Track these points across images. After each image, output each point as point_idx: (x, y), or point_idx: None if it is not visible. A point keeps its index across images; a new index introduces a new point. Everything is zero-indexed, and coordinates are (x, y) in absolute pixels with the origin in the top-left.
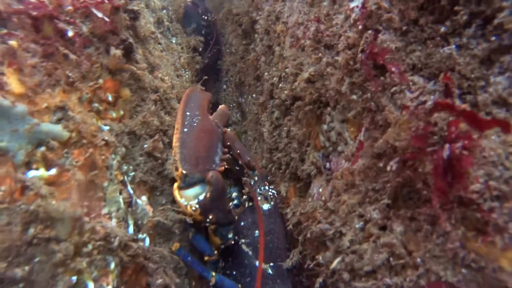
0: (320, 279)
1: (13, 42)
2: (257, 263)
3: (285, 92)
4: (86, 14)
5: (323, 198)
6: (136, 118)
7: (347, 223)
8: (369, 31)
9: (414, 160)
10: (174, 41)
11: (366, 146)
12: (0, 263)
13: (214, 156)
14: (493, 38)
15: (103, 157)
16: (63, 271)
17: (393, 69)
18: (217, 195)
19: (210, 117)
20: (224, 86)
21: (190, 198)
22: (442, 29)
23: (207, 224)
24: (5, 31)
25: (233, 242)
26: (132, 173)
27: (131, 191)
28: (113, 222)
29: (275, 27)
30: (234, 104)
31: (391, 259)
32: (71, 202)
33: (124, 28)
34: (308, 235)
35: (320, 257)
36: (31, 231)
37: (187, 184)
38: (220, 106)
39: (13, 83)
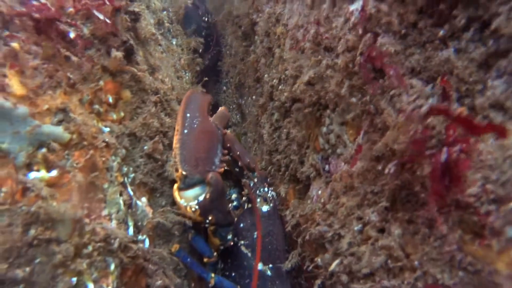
0: (318, 281)
1: (15, 44)
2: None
3: (285, 94)
4: (87, 16)
5: (322, 200)
6: (137, 120)
7: (345, 226)
8: (368, 34)
9: (413, 163)
10: (174, 43)
11: (365, 149)
12: (1, 264)
13: (214, 157)
14: (490, 42)
15: (103, 158)
16: (63, 272)
17: (391, 72)
18: (217, 196)
19: (210, 118)
20: (224, 88)
21: (190, 199)
22: (441, 32)
23: (206, 225)
24: (7, 33)
25: (232, 244)
26: (132, 175)
27: (131, 193)
28: (113, 223)
29: (275, 29)
30: (234, 106)
31: (389, 261)
32: (72, 203)
33: (125, 30)
34: (307, 237)
35: (319, 259)
36: (32, 232)
37: (187, 185)
38: (220, 108)
39: (15, 85)
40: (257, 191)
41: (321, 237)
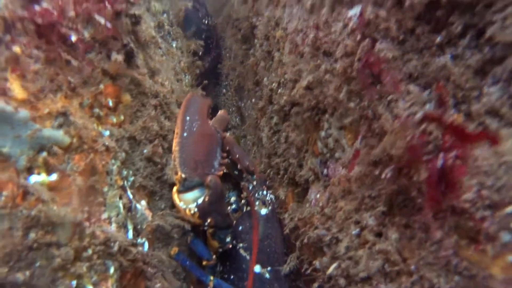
0: (316, 284)
1: (16, 48)
2: (255, 267)
3: (284, 98)
4: (88, 19)
5: (320, 204)
6: (136, 123)
7: (343, 230)
8: (367, 40)
9: (410, 169)
10: (174, 45)
11: (363, 154)
12: (2, 268)
13: (213, 160)
14: (486, 49)
15: (103, 162)
16: (63, 276)
17: (387, 79)
18: (216, 198)
19: (209, 122)
20: (224, 90)
21: (189, 202)
22: (438, 39)
23: (205, 228)
24: (9, 37)
25: (231, 246)
26: (132, 178)
27: (131, 196)
28: (113, 226)
29: (275, 33)
30: (233, 108)
31: (386, 265)
32: (72, 207)
33: (125, 33)
34: (305, 241)
35: (317, 263)
36: (32, 236)
37: (186, 187)
38: (219, 111)
39: (16, 89)
40: (256, 194)
41: (319, 240)
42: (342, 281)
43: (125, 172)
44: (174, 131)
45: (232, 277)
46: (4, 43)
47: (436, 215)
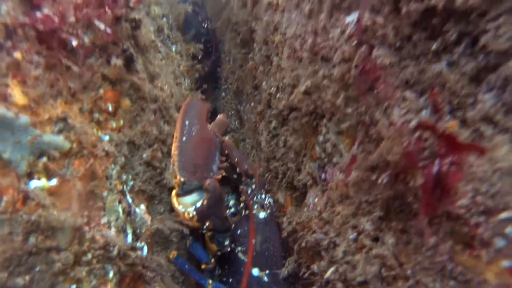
0: None
1: (17, 54)
2: (253, 271)
3: (283, 102)
4: (88, 25)
5: (318, 208)
6: (136, 128)
7: (341, 234)
8: (364, 46)
9: (406, 174)
10: (174, 49)
11: (360, 159)
12: (1, 273)
13: (211, 164)
14: (481, 57)
15: (103, 167)
16: (63, 280)
17: (384, 85)
18: (214, 202)
19: (208, 126)
20: (223, 94)
21: (187, 205)
22: (434, 46)
23: (204, 231)
24: (10, 43)
25: (229, 250)
26: (131, 182)
27: (130, 200)
28: (112, 231)
29: (274, 38)
30: (232, 112)
31: (382, 270)
32: (72, 212)
33: (125, 38)
34: (304, 244)
35: (315, 267)
36: (32, 240)
37: (184, 191)
38: (219, 115)
39: (17, 95)
40: (255, 198)
41: (317, 244)
42: (339, 285)
43: (124, 177)
44: (173, 136)
45: (230, 280)
46: (5, 49)
47: (431, 220)
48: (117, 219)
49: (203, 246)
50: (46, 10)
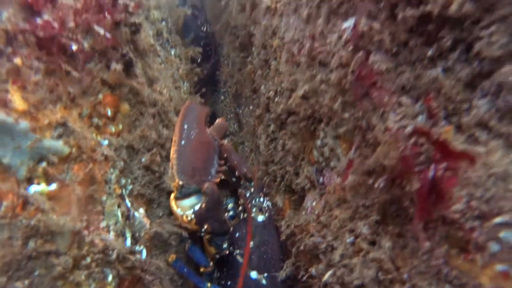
0: None
1: (17, 60)
2: (251, 273)
3: (281, 106)
4: (87, 30)
5: (316, 212)
6: (135, 132)
7: (338, 237)
8: (361, 52)
9: (402, 179)
10: (173, 53)
11: (357, 163)
12: (1, 278)
13: (210, 167)
14: (475, 64)
15: (102, 171)
16: (62, 284)
17: (380, 91)
18: (213, 205)
19: (207, 130)
20: (222, 97)
21: (186, 208)
22: (430, 52)
23: (202, 234)
24: (10, 49)
25: (227, 253)
26: (130, 186)
27: (129, 204)
28: (111, 235)
29: (272, 42)
30: (231, 115)
31: (379, 274)
32: (71, 216)
33: (125, 43)
34: (302, 248)
35: (313, 270)
36: (32, 245)
37: (183, 194)
38: (218, 119)
39: (17, 100)
40: (253, 201)
41: (315, 248)
42: None
43: (123, 181)
44: (172, 140)
45: (229, 283)
46: (5, 55)
47: (427, 225)
48: (116, 223)
49: (201, 249)
50: (46, 16)
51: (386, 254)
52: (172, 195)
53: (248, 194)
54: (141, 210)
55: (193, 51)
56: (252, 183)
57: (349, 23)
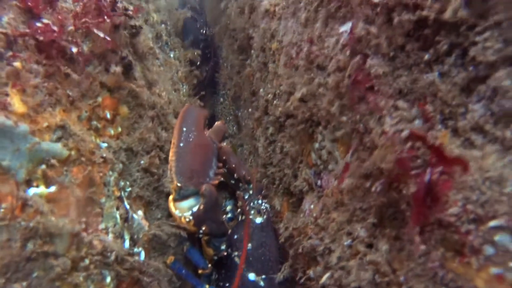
0: None
1: (17, 64)
2: (249, 275)
3: (279, 109)
4: (87, 33)
5: (314, 215)
6: (134, 135)
7: (336, 240)
8: (358, 56)
9: (399, 182)
10: (172, 56)
11: (354, 167)
12: None
13: (208, 170)
14: (471, 68)
15: (101, 174)
16: (61, 286)
17: (375, 96)
18: (211, 207)
19: (206, 132)
20: (221, 99)
21: (184, 210)
22: (426, 56)
23: (200, 235)
24: (10, 53)
25: (225, 254)
26: (129, 189)
27: (128, 206)
28: (110, 237)
29: (271, 45)
30: (230, 117)
31: (376, 276)
32: (70, 218)
33: (124, 46)
34: (300, 250)
35: (311, 272)
36: (30, 246)
37: (181, 196)
38: (217, 122)
39: (16, 103)
40: (251, 203)
41: (313, 250)
42: None
43: (122, 183)
44: (171, 142)
45: (227, 285)
46: (5, 59)
47: (423, 228)
48: (114, 225)
49: (200, 251)
50: (45, 20)
51: (383, 257)
52: (171, 197)
53: (246, 196)
54: (140, 212)
55: (192, 54)
56: (251, 185)
57: (346, 27)
